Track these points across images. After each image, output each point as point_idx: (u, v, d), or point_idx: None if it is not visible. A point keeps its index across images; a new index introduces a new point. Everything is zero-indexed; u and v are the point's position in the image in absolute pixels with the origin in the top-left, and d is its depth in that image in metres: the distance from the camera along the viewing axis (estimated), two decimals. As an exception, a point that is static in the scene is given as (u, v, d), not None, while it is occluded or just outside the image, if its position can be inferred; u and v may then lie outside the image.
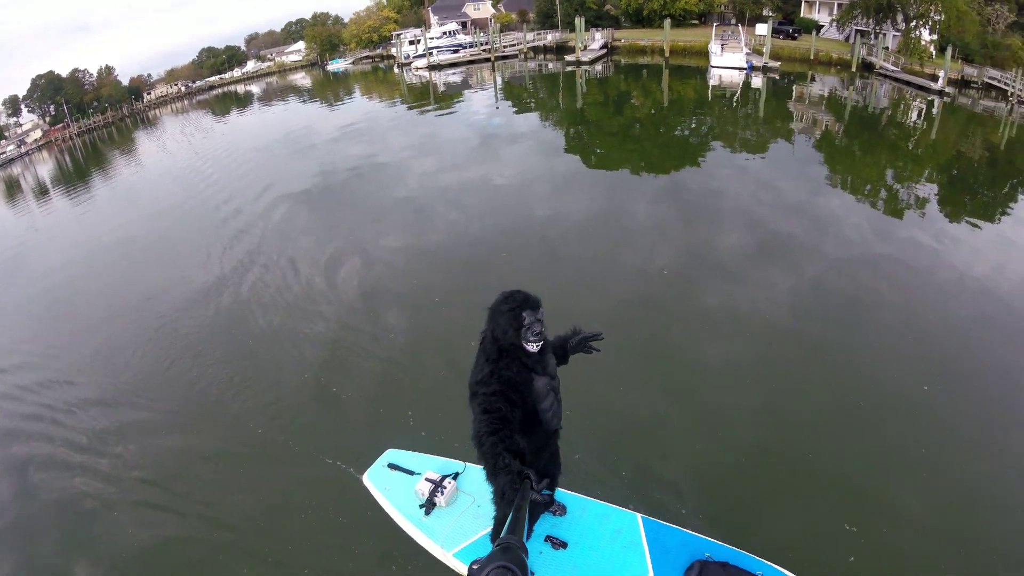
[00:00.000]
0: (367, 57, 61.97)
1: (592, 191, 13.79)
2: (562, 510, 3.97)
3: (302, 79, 59.94)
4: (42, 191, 29.05)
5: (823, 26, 38.45)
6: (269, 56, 75.00)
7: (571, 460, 4.86)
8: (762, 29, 34.79)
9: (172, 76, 72.80)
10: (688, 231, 11.05)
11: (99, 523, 5.68)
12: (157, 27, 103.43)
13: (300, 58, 70.96)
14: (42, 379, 8.51)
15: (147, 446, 6.67)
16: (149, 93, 68.16)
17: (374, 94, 40.29)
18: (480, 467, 2.95)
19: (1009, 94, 25.03)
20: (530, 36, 46.36)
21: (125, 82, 66.81)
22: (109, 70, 65.91)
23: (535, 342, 2.92)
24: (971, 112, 23.99)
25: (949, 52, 27.53)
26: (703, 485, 5.16)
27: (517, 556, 1.95)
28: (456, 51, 48.12)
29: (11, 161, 46.32)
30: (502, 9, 58.58)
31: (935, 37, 30.92)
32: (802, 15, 41.08)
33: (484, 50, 46.07)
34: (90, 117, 59.51)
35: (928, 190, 13.54)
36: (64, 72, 63.45)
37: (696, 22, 45.90)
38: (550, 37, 46.72)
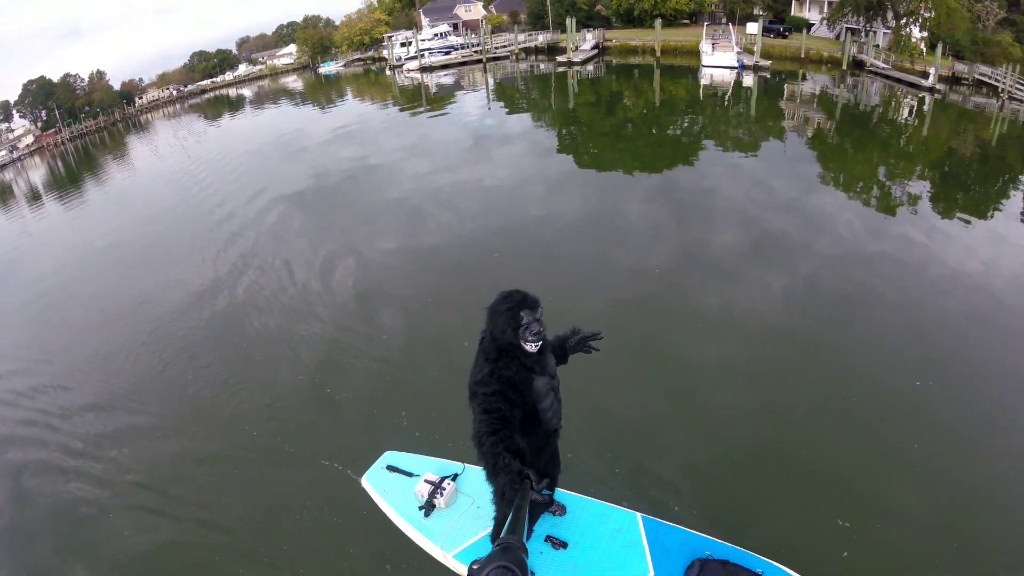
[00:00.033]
0: (359, 60, 61.93)
1: (585, 191, 13.78)
2: (562, 510, 3.97)
3: (294, 82, 59.71)
4: (35, 196, 28.89)
5: (814, 24, 38.55)
6: (260, 59, 74.71)
7: (570, 460, 4.86)
8: (753, 28, 34.91)
9: (163, 80, 72.34)
10: (681, 230, 11.06)
11: (95, 528, 5.64)
12: (148, 31, 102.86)
13: (291, 61, 70.74)
14: (36, 384, 8.44)
15: (142, 450, 6.63)
16: (141, 97, 67.82)
17: (366, 96, 40.20)
18: (479, 468, 2.94)
19: (999, 90, 25.20)
20: (521, 37, 46.33)
21: (116, 87, 66.44)
22: (100, 75, 65.50)
23: (534, 342, 2.91)
24: (962, 108, 24.14)
25: (939, 49, 27.76)
26: (702, 483, 5.17)
27: (517, 556, 1.95)
28: (448, 53, 48.08)
29: (3, 167, 45.92)
30: (493, 10, 58.65)
31: (925, 34, 31.16)
32: (792, 13, 41.19)
33: (476, 52, 46.04)
34: (82, 122, 59.08)
35: (920, 187, 13.59)
36: (55, 77, 63.04)
37: (687, 22, 45.95)
38: (541, 38, 46.70)
